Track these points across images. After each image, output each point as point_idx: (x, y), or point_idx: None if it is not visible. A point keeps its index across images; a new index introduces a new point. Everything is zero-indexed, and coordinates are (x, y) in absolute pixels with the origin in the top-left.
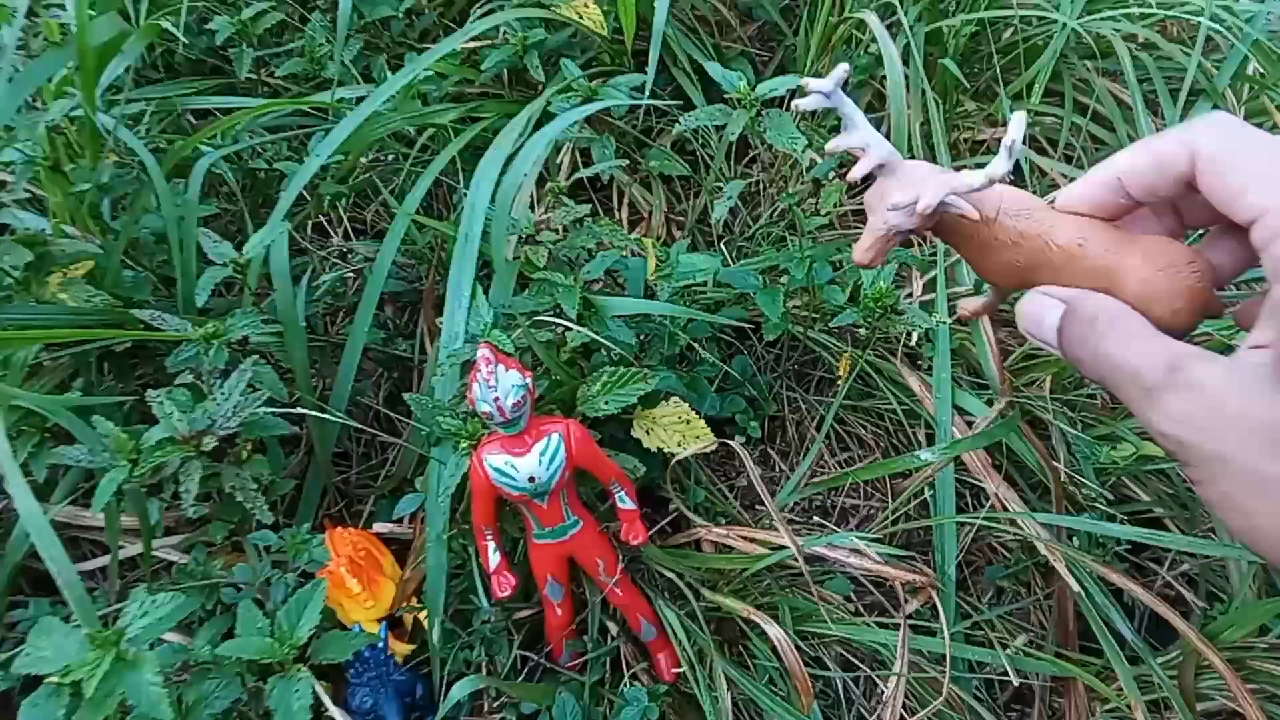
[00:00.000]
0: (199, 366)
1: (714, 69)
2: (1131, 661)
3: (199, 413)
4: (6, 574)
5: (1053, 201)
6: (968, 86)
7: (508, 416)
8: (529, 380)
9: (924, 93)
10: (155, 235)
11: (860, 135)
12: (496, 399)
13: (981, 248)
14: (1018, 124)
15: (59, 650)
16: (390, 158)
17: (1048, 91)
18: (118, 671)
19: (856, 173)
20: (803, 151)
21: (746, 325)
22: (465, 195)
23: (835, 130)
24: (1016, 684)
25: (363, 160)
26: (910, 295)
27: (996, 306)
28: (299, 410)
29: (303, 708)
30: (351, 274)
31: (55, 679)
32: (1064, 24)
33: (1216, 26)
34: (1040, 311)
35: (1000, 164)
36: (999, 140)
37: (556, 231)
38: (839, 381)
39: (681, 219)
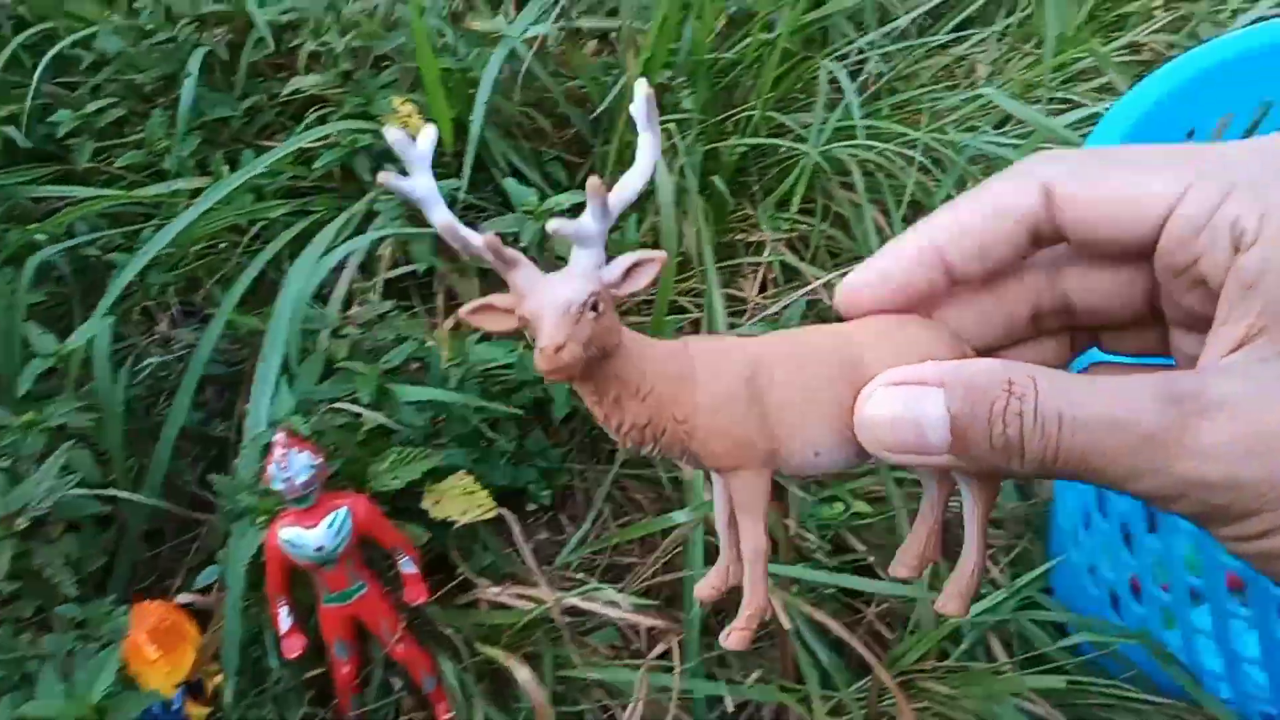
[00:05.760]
0: (18, 452)
1: (509, 185)
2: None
3: (14, 495)
4: None
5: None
6: (731, 202)
7: (298, 493)
8: (319, 460)
9: (697, 205)
10: None
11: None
12: (289, 478)
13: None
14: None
15: None
16: (222, 246)
17: (805, 201)
18: None
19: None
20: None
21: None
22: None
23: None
24: (732, 709)
25: (193, 250)
26: None
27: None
28: (111, 492)
29: None
30: (176, 359)
31: None
32: (807, 153)
33: (929, 156)
34: (908, 409)
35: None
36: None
37: (364, 326)
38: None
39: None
